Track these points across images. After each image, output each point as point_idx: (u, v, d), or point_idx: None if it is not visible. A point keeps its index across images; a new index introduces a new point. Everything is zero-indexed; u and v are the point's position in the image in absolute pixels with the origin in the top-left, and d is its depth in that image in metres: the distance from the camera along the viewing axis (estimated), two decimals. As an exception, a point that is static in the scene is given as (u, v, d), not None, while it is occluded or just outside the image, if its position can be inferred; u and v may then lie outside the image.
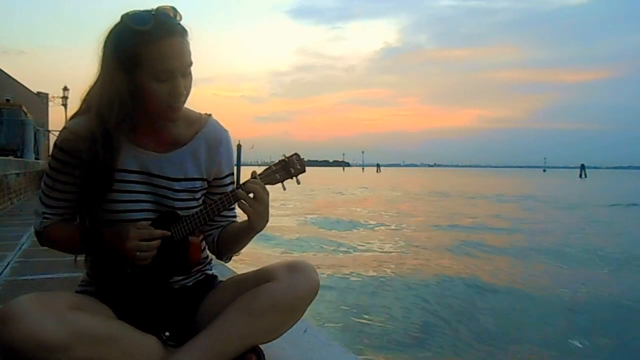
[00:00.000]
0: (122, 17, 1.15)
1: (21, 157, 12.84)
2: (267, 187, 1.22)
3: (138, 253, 1.21)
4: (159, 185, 1.28)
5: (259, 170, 1.24)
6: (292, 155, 1.22)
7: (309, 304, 1.28)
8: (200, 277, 1.42)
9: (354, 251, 9.87)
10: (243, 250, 1.41)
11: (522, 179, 67.63)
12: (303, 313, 1.29)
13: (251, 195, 1.21)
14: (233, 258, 1.42)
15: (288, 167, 1.21)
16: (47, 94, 26.03)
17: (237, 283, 1.37)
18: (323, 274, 6.80)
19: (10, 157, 10.38)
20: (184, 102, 1.23)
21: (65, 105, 22.69)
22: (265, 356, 1.29)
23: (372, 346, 4.66)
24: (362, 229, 13.42)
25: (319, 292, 1.28)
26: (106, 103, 1.17)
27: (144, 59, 1.14)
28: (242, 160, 23.68)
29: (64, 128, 1.24)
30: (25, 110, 16.11)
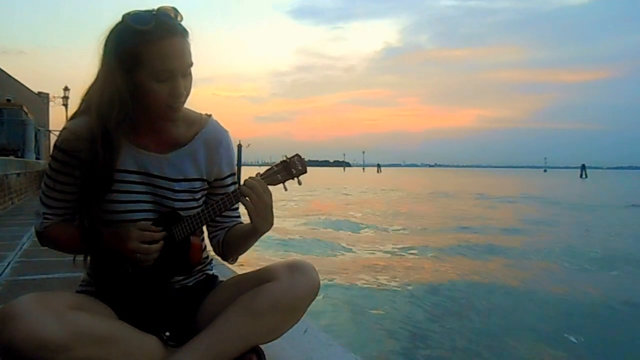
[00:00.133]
0: (123, 16, 1.16)
1: (22, 157, 12.85)
2: (269, 187, 1.22)
3: (139, 255, 1.21)
4: (158, 186, 1.28)
5: (261, 171, 1.24)
6: (293, 156, 1.22)
7: (310, 304, 1.28)
8: (201, 277, 1.42)
9: (354, 251, 9.86)
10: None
11: (524, 179, 67.50)
12: (303, 313, 1.29)
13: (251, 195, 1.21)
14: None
15: (289, 168, 1.22)
16: (47, 94, 26.01)
17: (237, 283, 1.37)
18: (324, 279, 6.79)
19: (11, 157, 10.38)
20: (184, 102, 1.23)
21: (66, 105, 22.68)
22: (266, 356, 1.29)
23: (372, 346, 4.66)
24: (362, 229, 13.41)
25: (319, 292, 1.28)
26: (106, 102, 1.17)
27: (145, 59, 1.14)
28: (242, 160, 23.69)
29: (64, 128, 1.24)
30: (26, 110, 16.13)
